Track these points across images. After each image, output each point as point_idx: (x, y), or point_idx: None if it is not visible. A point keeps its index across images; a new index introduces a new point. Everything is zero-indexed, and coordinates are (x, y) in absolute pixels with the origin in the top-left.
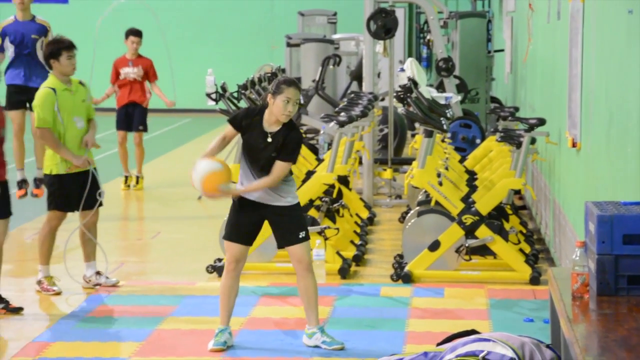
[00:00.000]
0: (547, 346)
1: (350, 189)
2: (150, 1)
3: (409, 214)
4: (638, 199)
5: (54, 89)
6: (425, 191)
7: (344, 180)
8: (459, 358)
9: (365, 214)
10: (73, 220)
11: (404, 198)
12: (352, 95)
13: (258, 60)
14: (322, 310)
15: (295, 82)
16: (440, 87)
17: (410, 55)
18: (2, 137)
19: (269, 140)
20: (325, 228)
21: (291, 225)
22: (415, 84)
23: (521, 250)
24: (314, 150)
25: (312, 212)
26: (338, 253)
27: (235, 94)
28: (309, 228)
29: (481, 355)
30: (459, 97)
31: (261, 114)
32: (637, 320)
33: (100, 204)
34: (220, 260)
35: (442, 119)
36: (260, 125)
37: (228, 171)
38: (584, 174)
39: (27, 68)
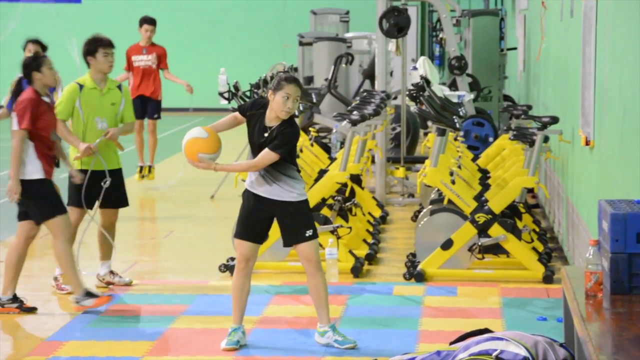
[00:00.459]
0: (561, 345)
1: (362, 188)
2: (164, 1)
3: (421, 213)
4: None
5: (81, 85)
6: (438, 190)
7: (356, 179)
8: (472, 357)
9: (377, 213)
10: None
11: (416, 197)
12: (365, 93)
13: (271, 59)
14: (335, 309)
15: (295, 79)
16: (453, 86)
17: (422, 54)
18: (55, 141)
19: (267, 135)
20: (337, 227)
21: (298, 223)
22: (428, 82)
23: (534, 248)
24: (327, 149)
25: (325, 211)
26: (351, 252)
27: (248, 93)
28: (321, 227)
29: (494, 354)
30: (472, 96)
31: (265, 108)
32: None
33: (126, 204)
34: (232, 259)
35: (454, 117)
36: (262, 119)
37: (213, 142)
38: (597, 172)
39: None
